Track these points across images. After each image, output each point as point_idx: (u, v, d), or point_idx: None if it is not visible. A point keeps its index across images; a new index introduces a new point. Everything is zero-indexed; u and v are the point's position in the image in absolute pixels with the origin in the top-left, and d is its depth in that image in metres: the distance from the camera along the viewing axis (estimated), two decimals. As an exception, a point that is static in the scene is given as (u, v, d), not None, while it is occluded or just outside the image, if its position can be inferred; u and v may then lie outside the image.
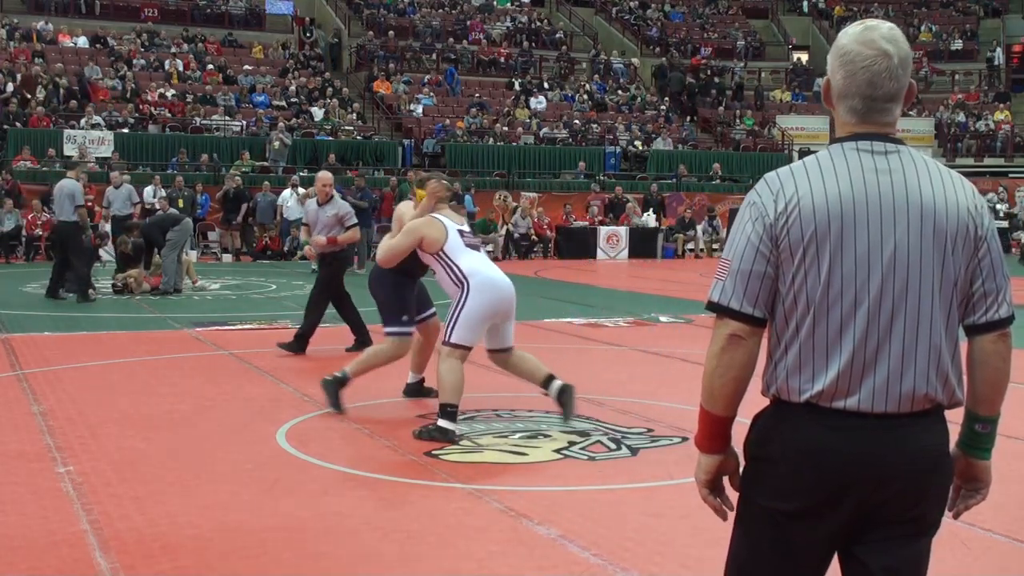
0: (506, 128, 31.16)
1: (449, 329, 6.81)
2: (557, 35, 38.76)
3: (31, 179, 23.81)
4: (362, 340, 9.96)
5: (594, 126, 32.49)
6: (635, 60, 38.35)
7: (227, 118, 28.89)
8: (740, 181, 31.06)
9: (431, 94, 32.61)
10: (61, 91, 27.76)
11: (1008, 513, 5.19)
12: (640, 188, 28.62)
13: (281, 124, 27.48)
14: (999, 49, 40.87)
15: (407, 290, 7.73)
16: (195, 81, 30.61)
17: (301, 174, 24.58)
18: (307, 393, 8.05)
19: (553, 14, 41.43)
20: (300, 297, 15.52)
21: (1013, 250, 29.40)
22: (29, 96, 27.40)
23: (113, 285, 15.76)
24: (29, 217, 21.92)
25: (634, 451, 6.35)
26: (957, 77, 40.55)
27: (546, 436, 6.70)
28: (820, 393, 2.37)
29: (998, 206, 31.09)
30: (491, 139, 30.52)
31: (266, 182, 24.30)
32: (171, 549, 4.54)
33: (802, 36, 43.03)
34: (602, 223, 25.98)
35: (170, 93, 29.14)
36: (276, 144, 26.61)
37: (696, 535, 4.81)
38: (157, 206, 21.33)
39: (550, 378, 7.12)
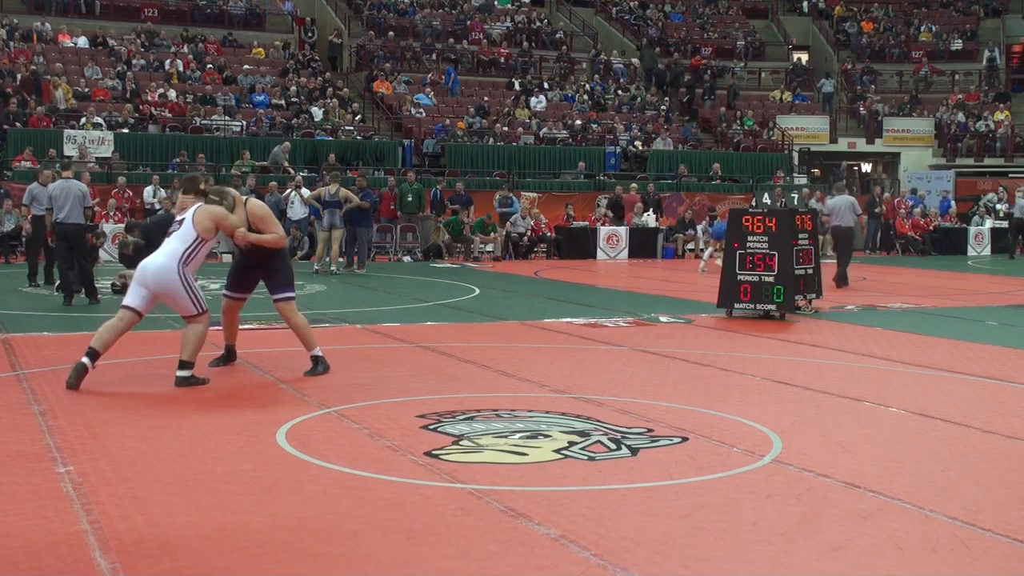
0: (506, 128, 31.16)
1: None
2: (557, 35, 38.77)
3: (31, 179, 23.77)
4: None
5: (594, 126, 32.49)
6: (635, 60, 38.37)
7: (227, 118, 28.89)
8: (740, 181, 31.07)
9: (431, 94, 32.61)
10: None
11: (1008, 513, 5.19)
12: (638, 188, 28.60)
13: (287, 144, 27.23)
14: (997, 50, 40.88)
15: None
16: (195, 81, 30.62)
17: (302, 174, 24.59)
18: (307, 393, 8.06)
19: (553, 14, 41.43)
20: (300, 297, 15.51)
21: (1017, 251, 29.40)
22: (29, 97, 27.41)
23: (112, 285, 15.75)
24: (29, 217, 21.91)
25: (634, 451, 6.35)
26: (957, 77, 40.56)
27: (546, 436, 6.70)
28: None
29: (998, 206, 31.11)
30: (491, 139, 30.52)
31: (272, 182, 24.23)
32: (171, 549, 4.54)
33: (802, 36, 43.03)
34: (604, 223, 25.96)
35: (170, 93, 29.14)
36: (285, 158, 26.56)
37: (696, 535, 4.81)
38: (158, 206, 21.36)
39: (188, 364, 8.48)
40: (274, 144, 27.02)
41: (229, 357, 9.35)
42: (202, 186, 8.92)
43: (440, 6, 38.77)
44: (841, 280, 17.80)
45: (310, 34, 35.78)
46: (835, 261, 18.67)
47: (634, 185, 27.83)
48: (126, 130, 26.99)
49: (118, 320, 8.56)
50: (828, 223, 18.80)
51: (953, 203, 30.64)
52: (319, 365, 8.85)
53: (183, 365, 8.37)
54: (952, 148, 37.02)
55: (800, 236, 13.41)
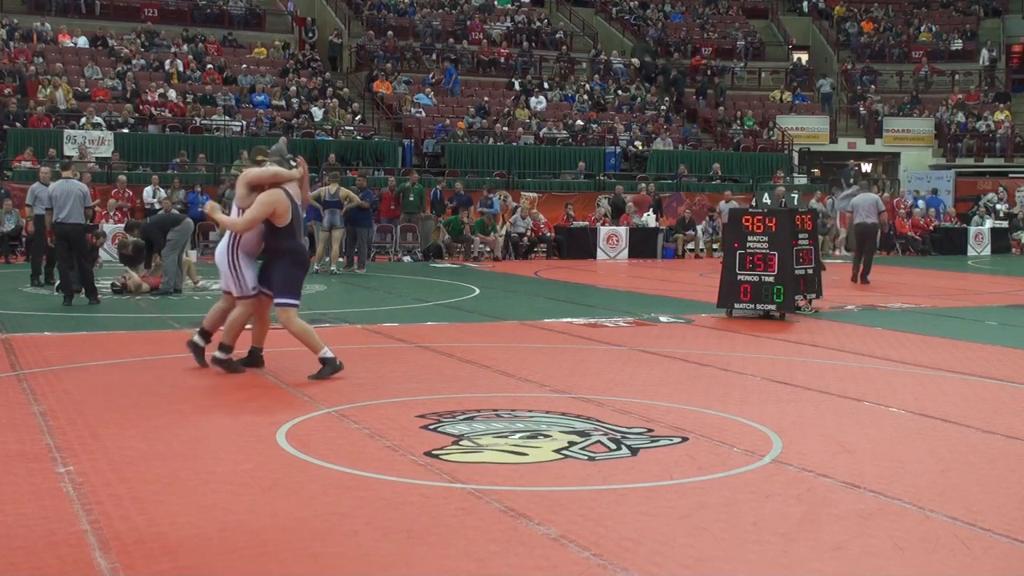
0: (506, 128, 31.16)
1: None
2: (557, 35, 38.77)
3: (32, 179, 23.80)
4: None
5: (594, 126, 32.49)
6: (635, 60, 38.37)
7: (227, 118, 28.89)
8: (740, 181, 31.07)
9: (431, 94, 32.61)
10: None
11: (1008, 513, 5.20)
12: (638, 189, 28.60)
13: (284, 139, 27.23)
14: (996, 50, 40.87)
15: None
16: (195, 81, 30.62)
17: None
18: (307, 393, 8.06)
19: (553, 14, 41.43)
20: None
21: (1014, 250, 29.40)
22: (11, 97, 27.39)
23: (112, 285, 15.76)
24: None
25: (634, 451, 6.35)
26: (957, 77, 40.57)
27: (546, 436, 6.70)
28: None
29: (998, 206, 31.11)
30: (491, 139, 30.51)
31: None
32: (171, 549, 4.54)
33: (802, 36, 43.03)
34: (604, 223, 25.97)
35: (170, 93, 29.15)
36: (275, 147, 26.52)
37: (696, 535, 4.81)
38: (158, 206, 21.36)
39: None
40: (273, 144, 27.00)
41: (253, 360, 9.11)
42: (259, 157, 9.23)
43: (440, 6, 38.77)
44: (864, 277, 18.44)
45: (310, 34, 35.78)
46: (842, 261, 18.96)
47: (643, 186, 27.87)
48: (126, 130, 26.99)
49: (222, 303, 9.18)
50: (850, 220, 19.42)
51: (921, 203, 30.63)
52: (326, 367, 8.67)
53: (221, 347, 8.77)
54: (952, 148, 37.02)
55: (800, 236, 13.41)
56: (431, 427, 6.89)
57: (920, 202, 30.47)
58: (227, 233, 8.87)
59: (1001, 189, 32.09)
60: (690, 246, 26.30)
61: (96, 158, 25.40)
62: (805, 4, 44.66)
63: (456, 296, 15.90)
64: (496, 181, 28.10)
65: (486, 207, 25.33)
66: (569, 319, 12.93)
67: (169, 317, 12.86)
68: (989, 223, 29.82)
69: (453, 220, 24.57)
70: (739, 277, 13.22)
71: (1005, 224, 30.04)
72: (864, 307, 14.88)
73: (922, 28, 42.88)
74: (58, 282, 14.88)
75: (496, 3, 40.04)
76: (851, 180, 33.33)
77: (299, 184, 8.94)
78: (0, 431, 6.68)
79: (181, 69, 30.86)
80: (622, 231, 25.75)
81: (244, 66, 31.99)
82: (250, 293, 8.81)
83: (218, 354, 8.84)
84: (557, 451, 6.32)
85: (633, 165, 31.64)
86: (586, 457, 6.19)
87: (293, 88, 31.10)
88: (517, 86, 34.58)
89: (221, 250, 8.91)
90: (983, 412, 7.63)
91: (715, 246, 25.30)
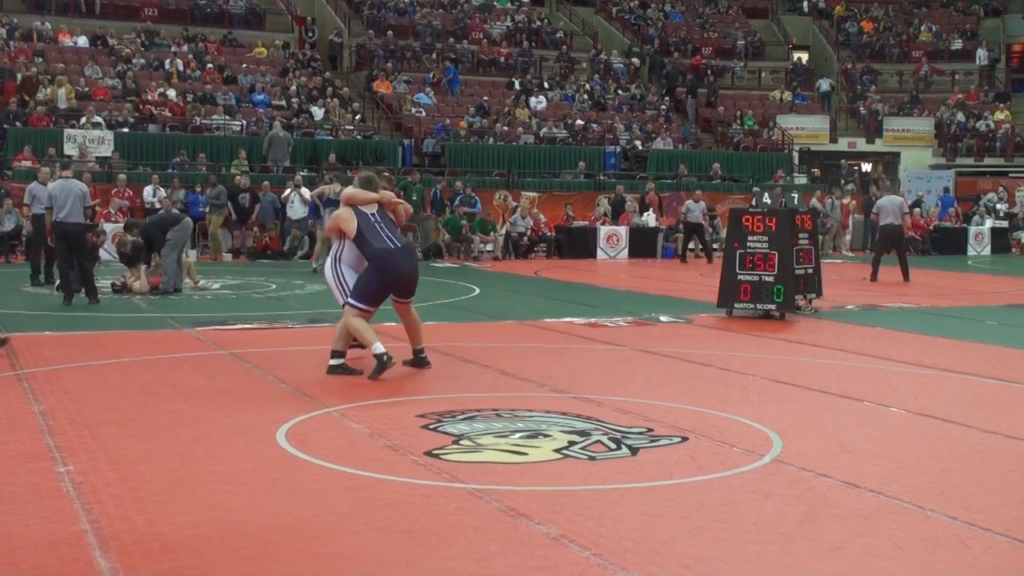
0: (506, 128, 31.15)
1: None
2: (557, 35, 38.76)
3: (31, 179, 23.78)
4: None
5: (594, 126, 32.48)
6: (635, 60, 38.37)
7: (227, 118, 28.88)
8: (740, 181, 31.06)
9: (431, 94, 32.61)
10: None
11: (1008, 513, 5.20)
12: (638, 188, 28.59)
13: (277, 123, 27.39)
14: (995, 50, 40.85)
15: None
16: (195, 81, 30.61)
17: (302, 174, 24.57)
18: (307, 393, 8.06)
19: (553, 14, 41.42)
20: (301, 297, 15.53)
21: (1014, 249, 29.41)
22: (28, 97, 27.37)
23: (112, 284, 15.76)
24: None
25: (634, 451, 6.35)
26: (957, 77, 40.56)
27: (546, 436, 6.70)
28: None
29: (998, 206, 31.11)
30: (491, 139, 30.51)
31: (266, 182, 24.31)
32: (171, 549, 4.54)
33: (802, 36, 43.01)
34: (604, 223, 25.96)
35: (170, 93, 29.14)
36: (280, 133, 26.55)
37: (696, 535, 4.81)
38: (158, 205, 21.36)
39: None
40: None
41: (416, 362, 9.29)
42: (328, 175, 9.78)
43: (440, 6, 38.76)
44: (904, 276, 18.77)
45: (310, 33, 35.77)
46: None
47: (650, 186, 27.85)
48: (126, 129, 26.96)
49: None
50: (875, 222, 19.77)
51: (935, 203, 30.71)
52: (379, 362, 8.67)
53: (332, 354, 8.99)
54: (952, 148, 37.01)
55: (800, 236, 13.41)
56: (431, 427, 6.90)
57: (935, 201, 30.59)
58: (331, 249, 9.53)
59: (1001, 189, 32.09)
60: (690, 246, 26.26)
61: (96, 157, 25.39)
62: (805, 4, 44.63)
63: (456, 296, 15.90)
64: (496, 181, 28.09)
65: (468, 206, 25.28)
66: (569, 319, 12.93)
67: (169, 317, 12.86)
68: (989, 223, 29.83)
69: (452, 219, 24.56)
70: (739, 277, 13.22)
71: (1005, 224, 30.04)
72: (864, 307, 14.88)
73: (922, 28, 42.86)
74: (58, 281, 14.88)
75: (496, 3, 40.02)
76: (851, 179, 33.41)
77: (387, 204, 9.32)
78: (0, 431, 6.69)
79: (181, 68, 30.84)
80: (622, 231, 25.74)
81: (244, 65, 31.97)
82: (351, 301, 9.08)
83: (331, 361, 8.94)
84: (557, 451, 6.32)
85: (633, 165, 31.63)
86: (586, 457, 6.19)
87: (293, 87, 31.09)
88: (517, 86, 34.57)
89: (327, 266, 9.50)
90: (983, 412, 7.63)
91: (715, 246, 25.27)
